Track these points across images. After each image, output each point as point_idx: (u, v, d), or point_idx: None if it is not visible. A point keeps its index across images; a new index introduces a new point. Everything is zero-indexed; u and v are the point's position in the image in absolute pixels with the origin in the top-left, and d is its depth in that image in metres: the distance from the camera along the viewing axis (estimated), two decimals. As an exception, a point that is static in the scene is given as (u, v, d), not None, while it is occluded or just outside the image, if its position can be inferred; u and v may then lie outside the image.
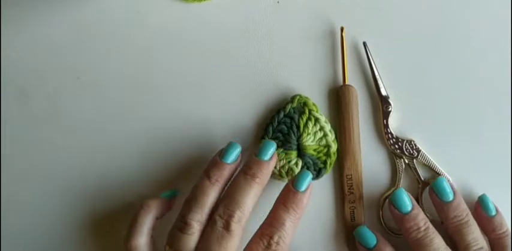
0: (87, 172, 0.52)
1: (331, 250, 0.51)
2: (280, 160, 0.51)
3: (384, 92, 0.51)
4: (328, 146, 0.51)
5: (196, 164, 0.51)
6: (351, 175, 0.51)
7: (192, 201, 0.46)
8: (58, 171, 0.52)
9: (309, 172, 0.48)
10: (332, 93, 0.52)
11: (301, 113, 0.51)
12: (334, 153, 0.51)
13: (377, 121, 0.52)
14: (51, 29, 0.53)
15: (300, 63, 0.52)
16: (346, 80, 0.51)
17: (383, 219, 0.51)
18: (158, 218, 0.48)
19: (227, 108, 0.52)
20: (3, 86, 0.53)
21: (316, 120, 0.51)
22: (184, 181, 0.51)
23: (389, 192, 0.51)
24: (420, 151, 0.51)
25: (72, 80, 0.52)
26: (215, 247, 0.44)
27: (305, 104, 0.51)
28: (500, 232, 0.49)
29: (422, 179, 0.51)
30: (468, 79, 0.52)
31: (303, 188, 0.47)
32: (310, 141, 0.51)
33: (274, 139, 0.51)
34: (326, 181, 0.52)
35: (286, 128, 0.51)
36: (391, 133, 0.51)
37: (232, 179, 0.48)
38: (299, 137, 0.51)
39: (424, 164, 0.51)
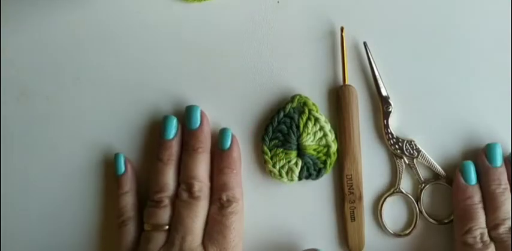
0: (87, 172, 0.52)
1: (331, 250, 0.51)
2: (280, 160, 0.51)
3: (384, 93, 0.51)
4: (328, 146, 0.51)
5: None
6: (351, 175, 0.51)
7: (155, 184, 0.50)
8: (58, 171, 0.52)
9: (228, 129, 0.51)
10: (332, 93, 0.52)
11: (301, 113, 0.51)
12: (334, 153, 0.51)
13: (377, 121, 0.52)
14: (51, 29, 0.52)
15: (300, 63, 0.52)
16: (346, 80, 0.51)
17: (382, 219, 0.51)
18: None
19: (227, 108, 0.52)
20: (3, 86, 0.53)
21: (316, 120, 0.51)
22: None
23: (389, 192, 0.51)
24: (420, 151, 0.51)
25: (72, 80, 0.52)
26: (186, 212, 0.48)
27: (305, 104, 0.51)
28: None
29: (423, 179, 0.51)
30: (468, 79, 0.52)
31: (227, 145, 0.50)
32: (310, 141, 0.51)
33: (274, 139, 0.51)
34: (326, 181, 0.52)
35: (286, 128, 0.51)
36: (391, 133, 0.51)
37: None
38: (299, 137, 0.51)
39: (424, 165, 0.51)
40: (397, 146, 0.51)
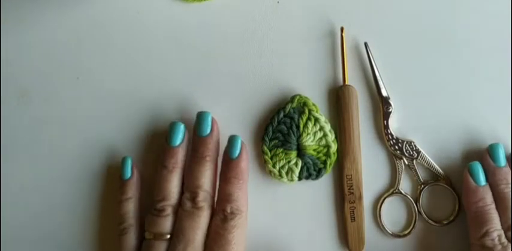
0: (87, 172, 0.52)
1: (331, 250, 0.51)
2: (280, 160, 0.51)
3: (384, 93, 0.51)
4: (328, 146, 0.51)
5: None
6: (351, 175, 0.51)
7: (158, 192, 0.49)
8: (58, 171, 0.52)
9: (238, 136, 0.49)
10: (332, 93, 0.52)
11: (301, 113, 0.51)
12: (334, 153, 0.51)
13: (377, 122, 0.52)
14: (51, 29, 0.53)
15: (300, 63, 0.52)
16: (346, 80, 0.51)
17: (381, 219, 0.51)
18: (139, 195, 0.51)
19: (227, 108, 0.52)
20: (3, 86, 0.53)
21: (316, 120, 0.51)
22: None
23: (389, 193, 0.51)
24: (420, 152, 0.51)
25: (72, 80, 0.52)
26: (189, 222, 0.47)
27: (305, 104, 0.51)
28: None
29: (422, 180, 0.51)
30: (469, 80, 0.52)
31: (236, 153, 0.49)
32: (310, 141, 0.51)
33: (274, 139, 0.51)
34: (326, 181, 0.52)
35: (286, 128, 0.51)
36: (391, 134, 0.51)
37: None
38: (299, 137, 0.51)
39: (424, 166, 0.51)
40: (396, 147, 0.51)
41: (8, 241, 0.52)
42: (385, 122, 0.51)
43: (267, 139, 0.51)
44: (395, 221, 0.51)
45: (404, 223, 0.51)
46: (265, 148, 0.51)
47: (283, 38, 0.52)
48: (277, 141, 0.51)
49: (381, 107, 0.51)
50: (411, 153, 0.51)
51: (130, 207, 0.50)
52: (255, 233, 0.51)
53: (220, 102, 0.52)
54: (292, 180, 0.51)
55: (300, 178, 0.51)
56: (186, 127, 0.50)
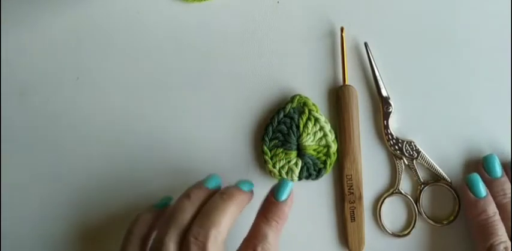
0: (87, 172, 0.52)
1: (331, 250, 0.51)
2: (280, 160, 0.51)
3: (384, 93, 0.51)
4: (328, 146, 0.51)
5: (195, 166, 0.51)
6: (351, 175, 0.51)
7: (170, 219, 0.44)
8: (58, 171, 0.52)
9: (289, 181, 0.47)
10: (332, 93, 0.52)
11: (301, 113, 0.51)
12: (334, 153, 0.51)
13: (377, 122, 0.52)
14: (51, 29, 0.53)
15: (300, 63, 0.52)
16: (346, 80, 0.51)
17: (381, 219, 0.51)
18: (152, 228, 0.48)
19: (227, 108, 0.52)
20: (3, 86, 0.53)
21: (316, 120, 0.51)
22: (182, 185, 0.51)
23: (389, 193, 0.51)
24: (420, 152, 0.51)
25: (72, 80, 0.52)
26: None
27: (305, 104, 0.51)
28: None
29: (422, 180, 0.51)
30: (469, 80, 0.52)
31: (283, 197, 0.46)
32: (310, 141, 0.51)
33: (274, 139, 0.51)
34: (326, 181, 0.52)
35: (286, 128, 0.51)
36: (391, 134, 0.51)
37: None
38: (299, 137, 0.51)
39: (424, 166, 0.51)
40: (396, 147, 0.51)
41: (8, 240, 0.52)
42: (385, 122, 0.51)
43: (267, 139, 0.51)
44: (395, 221, 0.51)
45: (404, 223, 0.51)
46: (265, 148, 0.51)
47: (283, 38, 0.52)
48: (277, 141, 0.51)
49: (380, 107, 0.51)
50: (411, 153, 0.51)
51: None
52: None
53: (220, 102, 0.52)
54: (292, 180, 0.51)
55: (300, 178, 0.51)
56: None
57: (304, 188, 0.52)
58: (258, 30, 0.52)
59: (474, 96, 0.52)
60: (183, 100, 0.52)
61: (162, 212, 0.48)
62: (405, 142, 0.51)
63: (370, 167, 0.51)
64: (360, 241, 0.51)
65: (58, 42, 0.53)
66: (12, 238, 0.52)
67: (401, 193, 0.51)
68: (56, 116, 0.52)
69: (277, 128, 0.51)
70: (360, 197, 0.51)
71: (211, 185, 0.47)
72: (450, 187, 0.51)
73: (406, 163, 0.51)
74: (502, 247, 0.47)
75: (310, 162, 0.51)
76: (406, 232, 0.51)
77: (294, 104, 0.51)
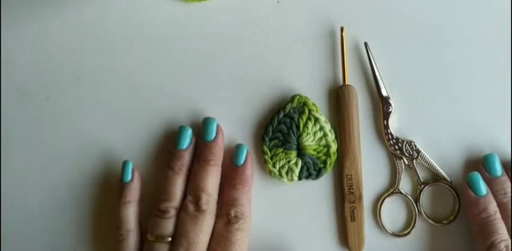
0: (87, 172, 0.52)
1: (331, 250, 0.51)
2: (280, 160, 0.51)
3: (384, 93, 0.51)
4: (328, 146, 0.51)
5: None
6: (351, 175, 0.51)
7: (162, 193, 0.49)
8: (58, 171, 0.52)
9: (243, 145, 0.50)
10: (332, 93, 0.52)
11: (301, 113, 0.51)
12: (334, 153, 0.51)
13: (377, 122, 0.52)
14: (51, 29, 0.53)
15: (300, 63, 0.52)
16: (346, 80, 0.51)
17: (381, 219, 0.51)
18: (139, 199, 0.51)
19: (227, 108, 0.52)
20: (3, 86, 0.53)
21: (316, 120, 0.51)
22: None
23: (389, 193, 0.51)
24: (420, 151, 0.51)
25: (72, 80, 0.52)
26: (191, 226, 0.48)
27: (305, 104, 0.51)
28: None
29: (422, 180, 0.51)
30: (468, 80, 0.52)
31: (241, 161, 0.50)
32: (310, 141, 0.51)
33: (274, 139, 0.51)
34: (326, 181, 0.52)
35: (286, 128, 0.51)
36: (391, 134, 0.51)
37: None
38: (299, 137, 0.51)
39: (424, 165, 0.51)
40: (396, 147, 0.51)
41: (8, 240, 0.52)
42: (385, 122, 0.51)
43: (267, 138, 0.51)
44: (395, 221, 0.51)
45: (404, 223, 0.51)
46: (265, 148, 0.51)
47: (283, 38, 0.52)
48: (277, 141, 0.51)
49: (381, 107, 0.51)
50: (411, 153, 0.51)
51: (130, 211, 0.50)
52: (255, 233, 0.50)
53: (220, 102, 0.52)
54: (292, 180, 0.51)
55: (300, 178, 0.51)
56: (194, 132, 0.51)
57: (304, 188, 0.52)
58: (258, 30, 0.52)
59: (474, 96, 0.52)
60: (183, 100, 0.52)
61: (135, 182, 0.50)
62: (405, 142, 0.51)
63: (370, 167, 0.51)
64: (360, 241, 0.51)
65: (58, 42, 0.53)
66: (12, 238, 0.52)
67: (401, 192, 0.51)
68: (56, 116, 0.52)
69: (277, 128, 0.51)
70: (360, 197, 0.51)
71: (185, 145, 0.50)
72: (450, 186, 0.51)
73: (406, 162, 0.51)
74: (502, 245, 0.47)
75: (310, 162, 0.51)
76: (406, 232, 0.51)
77: (294, 104, 0.51)
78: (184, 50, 0.52)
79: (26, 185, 0.52)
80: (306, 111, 0.51)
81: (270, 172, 0.51)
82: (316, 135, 0.51)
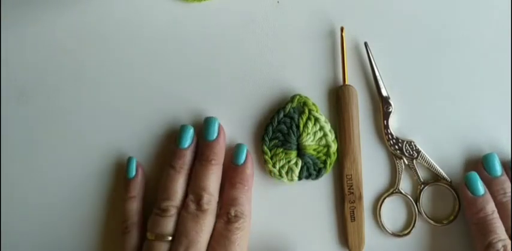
0: (87, 172, 0.52)
1: (331, 250, 0.51)
2: (280, 160, 0.51)
3: (384, 93, 0.51)
4: (328, 146, 0.51)
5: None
6: (351, 175, 0.51)
7: (164, 191, 0.49)
8: (58, 171, 0.52)
9: (243, 145, 0.51)
10: (332, 93, 0.52)
11: (301, 113, 0.51)
12: (334, 153, 0.51)
13: (377, 122, 0.52)
14: (51, 29, 0.52)
15: (300, 63, 0.52)
16: (346, 80, 0.51)
17: (381, 219, 0.51)
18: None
19: (227, 108, 0.52)
20: (3, 86, 0.53)
21: (316, 120, 0.51)
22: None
23: (389, 193, 0.51)
24: (420, 151, 0.51)
25: (72, 80, 0.52)
26: (192, 225, 0.48)
27: (305, 104, 0.51)
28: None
29: (422, 180, 0.51)
30: (469, 79, 0.52)
31: (241, 161, 0.50)
32: (310, 141, 0.51)
33: (274, 138, 0.51)
34: (326, 181, 0.52)
35: (286, 128, 0.51)
36: (391, 134, 0.51)
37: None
38: (299, 137, 0.51)
39: (424, 165, 0.51)
40: (396, 147, 0.51)
41: (8, 240, 0.52)
42: (385, 122, 0.51)
43: (267, 138, 0.51)
44: (395, 221, 0.51)
45: (404, 223, 0.51)
46: (265, 148, 0.51)
47: (283, 38, 0.52)
48: (277, 141, 0.51)
49: (381, 107, 0.51)
50: (411, 153, 0.51)
51: (134, 206, 0.50)
52: (255, 233, 0.50)
53: (220, 102, 0.52)
54: (292, 180, 0.51)
55: (300, 178, 0.51)
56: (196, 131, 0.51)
57: (304, 188, 0.52)
58: (258, 30, 0.52)
59: (474, 96, 0.52)
60: (183, 100, 0.52)
61: (139, 178, 0.51)
62: (405, 142, 0.51)
63: (370, 167, 0.51)
64: (360, 241, 0.51)
65: (58, 42, 0.52)
66: (12, 238, 0.52)
67: (401, 192, 0.51)
68: (56, 116, 0.52)
69: (277, 127, 0.51)
70: (360, 197, 0.51)
71: (186, 144, 0.50)
72: (450, 186, 0.51)
73: (406, 162, 0.51)
74: (500, 245, 0.47)
75: (310, 162, 0.51)
76: (406, 232, 0.51)
77: (294, 104, 0.51)
78: (184, 50, 0.52)
79: (26, 185, 0.52)
80: (306, 111, 0.51)
81: (270, 172, 0.51)
82: (316, 135, 0.51)
